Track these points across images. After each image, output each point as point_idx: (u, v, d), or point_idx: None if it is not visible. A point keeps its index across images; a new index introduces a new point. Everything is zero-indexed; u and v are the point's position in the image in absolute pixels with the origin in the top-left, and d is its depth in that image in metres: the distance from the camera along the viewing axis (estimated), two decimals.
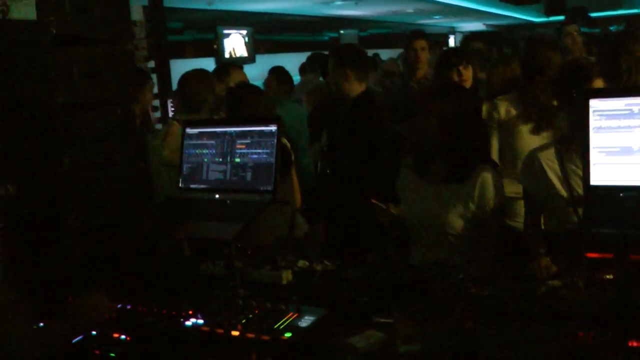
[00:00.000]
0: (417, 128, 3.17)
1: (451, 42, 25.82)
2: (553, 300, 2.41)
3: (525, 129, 4.02)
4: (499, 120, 4.16)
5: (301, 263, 3.00)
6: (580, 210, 2.85)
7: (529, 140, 3.96)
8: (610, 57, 3.79)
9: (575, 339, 2.02)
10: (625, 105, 2.26)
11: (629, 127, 2.25)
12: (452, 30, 26.69)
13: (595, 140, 2.29)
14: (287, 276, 2.84)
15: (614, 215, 2.23)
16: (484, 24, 26.28)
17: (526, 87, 4.06)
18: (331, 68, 4.45)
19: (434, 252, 3.14)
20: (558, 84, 3.28)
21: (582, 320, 2.15)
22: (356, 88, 4.40)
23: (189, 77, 4.53)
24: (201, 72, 4.69)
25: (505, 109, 4.14)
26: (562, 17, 14.76)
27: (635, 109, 2.24)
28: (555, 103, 3.84)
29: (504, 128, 4.15)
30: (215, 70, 5.13)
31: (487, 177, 3.14)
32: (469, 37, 8.34)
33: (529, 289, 2.52)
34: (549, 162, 3.08)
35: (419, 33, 5.97)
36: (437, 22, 23.15)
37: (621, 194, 2.25)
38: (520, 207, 3.82)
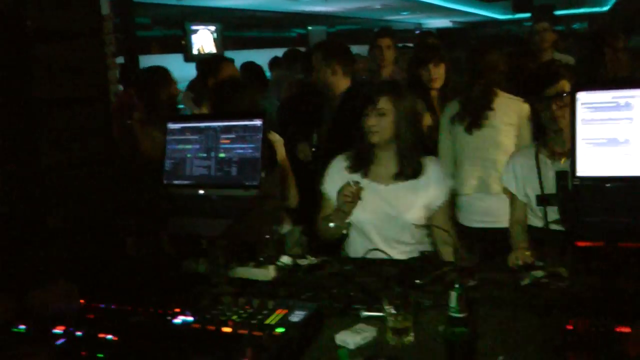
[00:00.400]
0: (370, 127, 3.12)
1: None
2: (539, 290, 2.43)
3: (460, 129, 4.08)
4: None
5: (284, 259, 2.98)
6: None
7: (466, 139, 4.05)
8: (592, 53, 3.84)
9: (564, 328, 2.03)
10: (612, 97, 2.29)
11: (615, 119, 2.28)
12: (419, 27, 26.83)
13: (583, 131, 2.32)
14: (271, 272, 2.83)
15: (601, 205, 2.26)
16: (451, 21, 26.48)
17: (466, 91, 4.11)
18: (317, 63, 4.40)
19: (392, 248, 3.14)
20: (527, 86, 3.31)
21: (569, 308, 2.17)
22: (343, 83, 4.38)
23: (145, 75, 4.48)
24: (157, 69, 4.61)
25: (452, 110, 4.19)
26: (528, 15, 14.95)
27: (622, 101, 2.27)
28: (493, 105, 3.96)
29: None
30: (207, 63, 4.97)
31: (434, 165, 3.22)
32: (424, 34, 8.38)
33: (514, 280, 2.55)
34: (528, 162, 3.13)
35: (384, 31, 5.96)
36: (404, 18, 23.24)
37: (607, 185, 2.28)
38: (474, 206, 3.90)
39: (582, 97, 2.32)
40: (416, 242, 3.18)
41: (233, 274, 2.78)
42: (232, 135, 2.69)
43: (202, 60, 5.07)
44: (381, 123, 3.08)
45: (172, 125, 2.89)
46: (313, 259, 2.98)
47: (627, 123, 2.27)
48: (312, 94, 4.94)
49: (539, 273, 2.57)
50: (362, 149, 3.20)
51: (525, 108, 3.81)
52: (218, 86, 3.97)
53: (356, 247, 3.23)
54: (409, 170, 3.15)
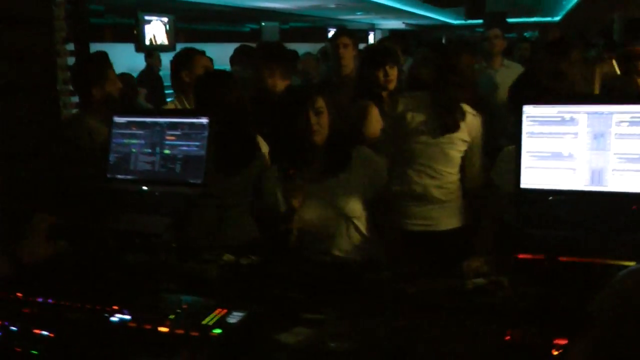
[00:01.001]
0: (308, 126, 3.12)
1: (371, 38, 26.12)
2: (481, 298, 2.45)
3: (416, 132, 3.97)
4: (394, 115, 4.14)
5: (227, 257, 2.95)
6: None
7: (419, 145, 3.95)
8: (549, 63, 3.88)
9: (504, 337, 2.05)
10: (558, 112, 2.32)
11: (560, 133, 2.32)
12: (373, 27, 26.98)
13: (528, 144, 2.35)
14: (212, 270, 2.79)
15: (544, 217, 2.29)
16: (404, 23, 26.67)
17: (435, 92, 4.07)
18: (257, 62, 4.39)
19: (336, 246, 3.16)
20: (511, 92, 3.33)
21: (509, 318, 2.19)
22: (280, 84, 4.36)
23: (78, 68, 4.33)
24: (91, 63, 4.43)
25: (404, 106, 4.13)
26: (480, 21, 15.14)
27: (567, 116, 2.31)
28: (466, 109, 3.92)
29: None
30: (180, 56, 4.81)
31: (367, 150, 3.25)
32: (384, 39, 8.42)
33: (457, 286, 2.56)
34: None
35: (342, 30, 5.96)
36: (358, 18, 23.32)
37: (550, 198, 2.31)
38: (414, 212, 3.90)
39: (528, 110, 2.35)
40: (363, 240, 3.19)
41: (174, 272, 2.75)
42: (178, 132, 2.65)
43: (176, 54, 4.94)
44: (321, 121, 3.10)
45: (117, 119, 2.84)
46: (255, 258, 2.96)
47: (572, 138, 2.31)
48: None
49: (480, 281, 2.59)
50: (300, 151, 3.18)
51: (478, 119, 3.85)
52: (202, 79, 3.86)
53: (304, 247, 3.22)
54: (340, 165, 3.15)
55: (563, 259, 2.16)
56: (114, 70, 4.35)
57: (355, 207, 3.16)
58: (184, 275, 2.76)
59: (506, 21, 16.87)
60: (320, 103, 3.09)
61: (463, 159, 3.91)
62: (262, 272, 2.84)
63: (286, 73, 4.43)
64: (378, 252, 3.21)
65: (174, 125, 2.67)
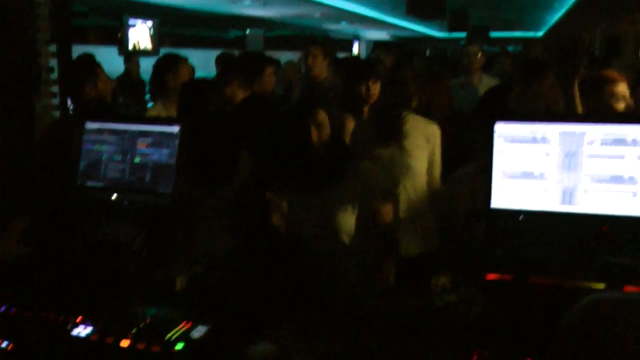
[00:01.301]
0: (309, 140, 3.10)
1: (355, 48, 26.18)
2: (449, 317, 2.43)
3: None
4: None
5: (197, 268, 2.92)
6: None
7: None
8: (529, 81, 3.88)
9: (471, 357, 2.03)
10: (529, 131, 2.30)
11: (531, 152, 2.30)
12: (357, 37, 27.02)
13: (499, 163, 2.33)
14: (181, 282, 2.76)
15: (513, 237, 2.27)
16: (388, 34, 26.74)
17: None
18: (219, 71, 4.39)
19: (325, 260, 3.12)
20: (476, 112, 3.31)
21: (477, 338, 2.18)
22: (239, 94, 4.33)
23: (70, 67, 4.30)
24: (82, 61, 4.41)
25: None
26: (463, 34, 15.19)
27: (539, 135, 2.29)
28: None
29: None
30: (165, 60, 4.76)
31: (367, 167, 3.25)
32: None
33: (426, 304, 2.54)
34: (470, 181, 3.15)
35: (313, 40, 5.95)
36: (342, 28, 23.35)
37: (520, 217, 2.29)
38: None
39: (499, 128, 2.33)
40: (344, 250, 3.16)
41: (142, 282, 2.71)
42: (149, 140, 2.62)
43: (160, 58, 4.89)
44: (321, 135, 3.08)
45: (89, 125, 2.80)
46: (226, 271, 2.92)
47: (544, 157, 2.29)
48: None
49: (451, 297, 2.58)
50: (299, 164, 3.17)
51: (436, 130, 3.84)
52: (188, 85, 3.82)
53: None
54: (334, 177, 3.14)
55: (532, 279, 2.14)
56: (103, 70, 4.35)
57: (346, 221, 3.12)
58: (152, 286, 2.73)
59: (489, 35, 16.96)
60: (322, 117, 3.08)
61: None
62: (231, 285, 2.81)
63: (246, 83, 4.41)
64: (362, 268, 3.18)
65: (144, 133, 2.63)
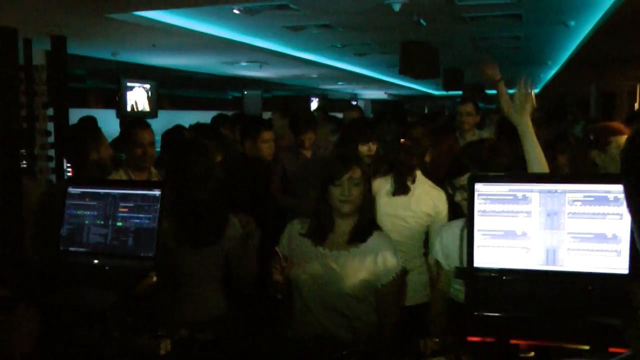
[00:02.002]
0: (343, 195, 3.09)
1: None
2: None
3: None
4: None
5: (183, 332, 2.89)
6: None
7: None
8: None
9: None
10: (509, 190, 2.30)
11: (513, 211, 2.29)
12: (355, 97, 27.28)
13: (480, 223, 2.32)
14: (166, 346, 2.72)
15: (496, 298, 2.24)
16: (386, 93, 27.00)
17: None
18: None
19: (325, 321, 3.09)
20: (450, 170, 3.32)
21: None
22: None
23: (74, 132, 4.33)
24: (87, 126, 4.48)
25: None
26: (459, 92, 15.30)
27: (519, 194, 2.29)
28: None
29: None
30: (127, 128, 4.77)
31: (386, 237, 3.19)
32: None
33: None
34: (454, 235, 3.13)
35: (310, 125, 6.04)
36: (340, 88, 23.59)
37: (504, 277, 2.27)
38: None
39: (479, 188, 2.32)
40: (353, 316, 3.12)
41: (127, 346, 2.68)
42: (131, 204, 2.62)
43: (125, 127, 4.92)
44: (355, 192, 3.07)
45: (72, 190, 2.80)
46: (210, 334, 2.89)
47: (525, 216, 2.28)
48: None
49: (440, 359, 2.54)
50: (324, 219, 3.17)
51: (442, 197, 3.86)
52: (175, 148, 3.83)
53: (295, 309, 3.22)
54: (359, 239, 3.13)
55: (514, 341, 2.11)
56: (104, 135, 4.41)
57: (355, 285, 3.10)
58: (137, 350, 2.70)
59: (485, 92, 17.09)
60: (358, 174, 3.08)
61: (426, 234, 3.91)
62: (216, 348, 2.78)
63: (217, 149, 4.48)
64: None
65: (126, 197, 2.64)
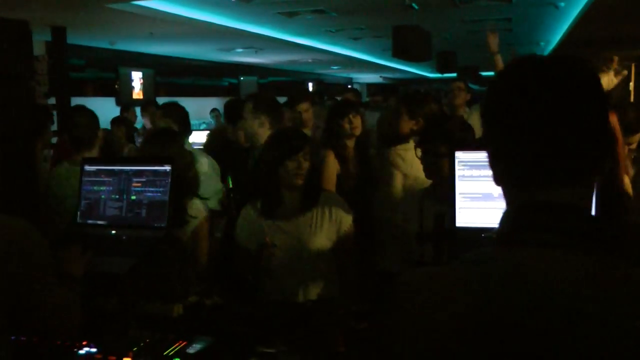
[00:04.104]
0: (296, 170, 3.39)
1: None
2: None
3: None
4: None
5: (192, 298, 3.12)
6: None
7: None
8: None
9: None
10: (486, 156, 2.53)
11: (489, 176, 2.52)
12: (350, 81, 27.41)
13: (461, 187, 2.56)
14: (177, 309, 2.96)
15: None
16: (381, 77, 27.12)
17: None
18: (246, 113, 4.57)
19: (298, 283, 3.35)
20: (423, 137, 3.54)
21: None
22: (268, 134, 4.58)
23: (79, 115, 4.51)
24: (89, 110, 4.65)
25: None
26: (454, 75, 15.45)
27: None
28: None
29: None
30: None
31: (332, 195, 3.59)
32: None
33: None
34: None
35: (303, 96, 6.22)
36: (335, 72, 23.74)
37: (482, 235, 2.51)
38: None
39: (459, 155, 2.57)
40: (325, 278, 3.39)
41: (141, 310, 2.91)
42: (143, 179, 2.85)
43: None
44: (305, 166, 3.38)
45: (88, 168, 3.03)
46: (218, 299, 3.13)
47: None
48: (226, 143, 5.18)
49: None
50: (274, 193, 3.45)
51: None
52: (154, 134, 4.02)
53: (269, 286, 3.44)
54: (310, 205, 3.44)
55: None
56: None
57: (319, 245, 3.37)
58: (150, 313, 2.93)
59: (479, 74, 17.21)
60: (307, 150, 3.41)
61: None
62: (223, 311, 3.01)
63: (275, 125, 4.65)
64: (336, 291, 3.40)
65: (139, 173, 2.87)
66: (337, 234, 3.43)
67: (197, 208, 3.59)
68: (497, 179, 1.23)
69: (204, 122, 13.97)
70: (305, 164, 3.39)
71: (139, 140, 8.74)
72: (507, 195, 1.20)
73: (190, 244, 3.50)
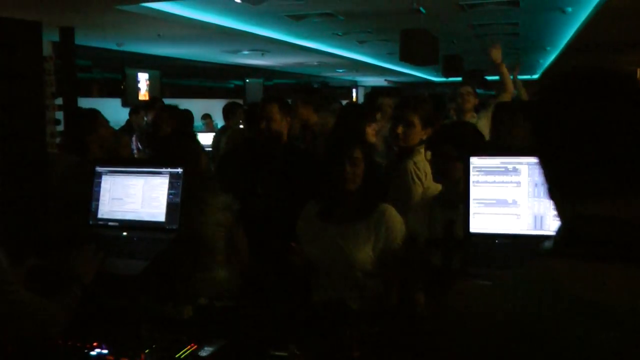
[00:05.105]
0: (342, 174, 3.31)
1: (354, 94, 26.57)
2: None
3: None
4: None
5: (202, 300, 3.12)
6: None
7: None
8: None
9: None
10: (501, 163, 2.54)
11: (504, 182, 2.53)
12: (355, 84, 27.41)
13: (475, 192, 2.56)
14: (188, 311, 2.96)
15: (489, 258, 2.48)
16: (386, 80, 27.10)
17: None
18: (275, 114, 4.56)
19: (339, 292, 3.31)
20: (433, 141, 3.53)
21: None
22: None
23: (75, 116, 4.50)
24: (85, 113, 4.62)
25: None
26: (459, 78, 15.43)
27: (510, 166, 2.53)
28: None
29: None
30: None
31: (391, 210, 3.36)
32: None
33: (417, 326, 2.73)
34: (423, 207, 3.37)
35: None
36: (340, 75, 23.73)
37: (496, 241, 2.51)
38: None
39: (474, 161, 2.57)
40: (365, 285, 3.34)
41: (152, 312, 2.91)
42: (156, 181, 2.85)
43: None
44: (356, 171, 3.29)
45: (100, 169, 3.04)
46: (228, 301, 3.13)
47: (515, 186, 2.52)
48: (253, 144, 5.16)
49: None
50: (327, 195, 3.40)
51: None
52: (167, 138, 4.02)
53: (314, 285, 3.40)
54: (361, 215, 3.31)
55: None
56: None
57: (363, 260, 3.28)
58: (161, 315, 2.93)
59: (485, 78, 17.20)
60: (357, 154, 3.29)
61: None
62: (234, 313, 3.01)
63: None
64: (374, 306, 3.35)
65: (152, 175, 2.87)
66: (383, 250, 3.28)
67: (224, 201, 3.58)
68: (549, 192, 1.24)
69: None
70: (352, 169, 3.28)
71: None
72: (559, 207, 1.21)
73: (212, 241, 3.48)
